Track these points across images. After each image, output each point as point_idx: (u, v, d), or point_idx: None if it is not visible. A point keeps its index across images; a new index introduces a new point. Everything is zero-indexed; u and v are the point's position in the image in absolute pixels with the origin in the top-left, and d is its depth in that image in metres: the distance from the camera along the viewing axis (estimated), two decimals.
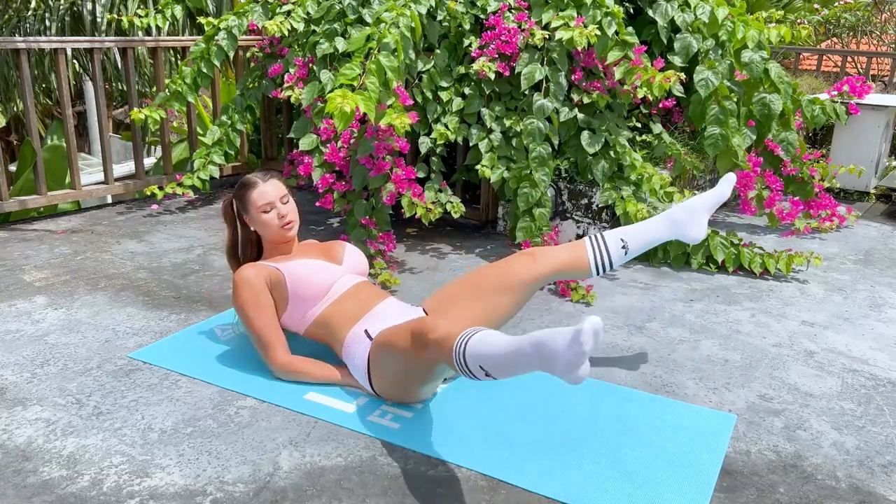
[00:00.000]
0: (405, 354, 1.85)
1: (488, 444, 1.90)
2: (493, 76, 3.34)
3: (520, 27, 3.40)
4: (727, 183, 2.36)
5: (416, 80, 3.44)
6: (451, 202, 3.23)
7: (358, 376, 2.12)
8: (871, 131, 4.58)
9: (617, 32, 3.30)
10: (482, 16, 3.53)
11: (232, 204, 2.37)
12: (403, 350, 1.85)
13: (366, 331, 2.13)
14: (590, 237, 2.26)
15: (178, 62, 6.40)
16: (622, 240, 2.25)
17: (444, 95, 3.41)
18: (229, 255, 2.43)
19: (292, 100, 3.45)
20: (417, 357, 1.82)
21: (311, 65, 3.55)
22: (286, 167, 4.09)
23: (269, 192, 2.26)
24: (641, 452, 1.88)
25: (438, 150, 3.42)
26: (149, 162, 6.39)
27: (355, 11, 3.54)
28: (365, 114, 2.83)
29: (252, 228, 2.34)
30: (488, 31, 3.42)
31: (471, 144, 3.46)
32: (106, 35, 6.15)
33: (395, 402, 2.07)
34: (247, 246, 2.39)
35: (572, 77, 3.43)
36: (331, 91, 3.00)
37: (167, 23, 4.40)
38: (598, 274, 2.26)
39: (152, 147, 7.55)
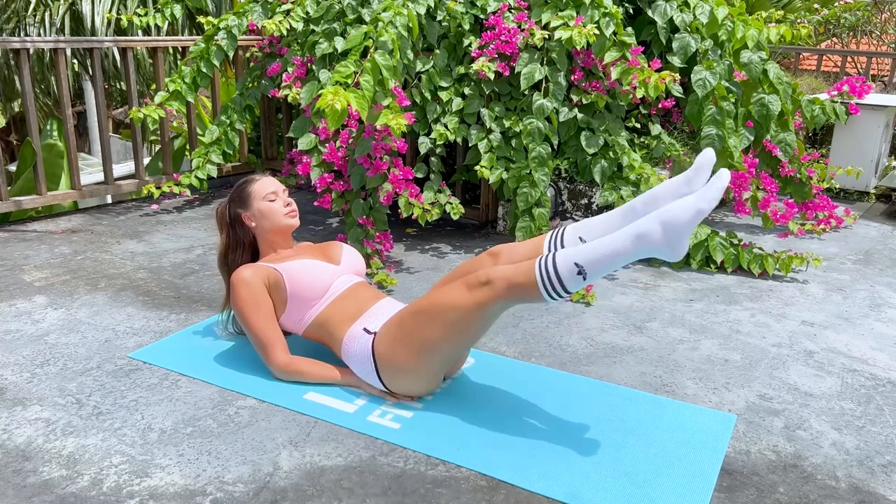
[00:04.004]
0: (454, 306, 1.90)
1: (488, 444, 1.90)
2: (492, 76, 3.34)
3: (519, 27, 3.40)
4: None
5: (416, 81, 3.44)
6: (451, 203, 3.23)
7: (361, 372, 2.11)
8: (871, 131, 4.58)
9: (615, 33, 3.30)
10: (482, 16, 3.53)
11: (227, 210, 2.37)
12: (452, 302, 1.90)
13: (364, 328, 2.13)
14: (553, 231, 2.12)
15: (179, 62, 6.40)
16: (580, 238, 2.05)
17: (443, 95, 3.41)
18: (221, 263, 2.40)
19: (289, 99, 3.45)
20: (474, 302, 1.88)
21: (309, 64, 3.56)
22: (285, 166, 4.09)
23: (271, 183, 2.36)
24: (641, 452, 1.88)
25: (438, 151, 3.42)
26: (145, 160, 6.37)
27: (355, 11, 3.54)
28: (360, 112, 2.83)
29: (250, 227, 2.33)
30: (488, 31, 3.42)
31: (470, 145, 3.46)
32: (105, 34, 6.14)
33: (403, 391, 2.07)
34: (239, 250, 2.37)
35: (572, 77, 3.43)
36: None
37: (166, 21, 4.40)
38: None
39: (152, 147, 7.55)
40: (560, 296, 1.83)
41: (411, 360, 2.00)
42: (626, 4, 3.75)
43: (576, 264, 1.78)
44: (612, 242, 1.79)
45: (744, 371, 2.36)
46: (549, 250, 2.04)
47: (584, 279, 1.79)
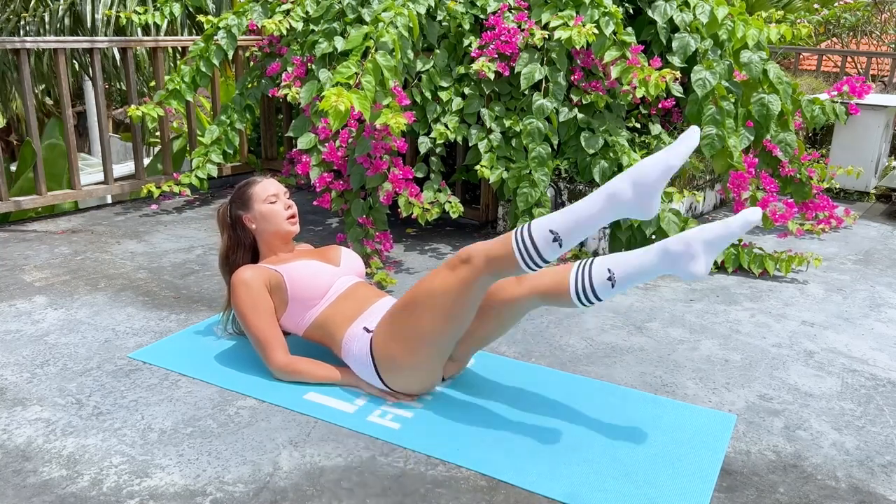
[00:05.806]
0: (439, 289, 1.91)
1: (488, 444, 1.90)
2: (492, 76, 3.34)
3: (519, 27, 3.40)
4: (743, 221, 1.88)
5: (416, 80, 3.44)
6: (450, 202, 3.23)
7: (361, 372, 2.11)
8: (871, 131, 4.59)
9: (615, 32, 3.30)
10: (482, 16, 3.53)
11: (228, 211, 2.37)
12: (437, 286, 1.91)
13: (364, 327, 2.13)
14: (577, 264, 1.99)
15: (178, 62, 6.40)
16: (609, 269, 1.90)
17: (443, 95, 3.41)
18: (223, 264, 2.40)
19: (289, 98, 3.45)
20: (457, 280, 1.88)
21: (309, 64, 3.56)
22: (285, 166, 4.09)
23: (272, 185, 2.36)
24: (641, 452, 1.88)
25: (438, 150, 3.42)
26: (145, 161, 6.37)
27: (354, 11, 3.54)
28: (362, 112, 2.83)
29: (250, 228, 2.34)
30: (488, 31, 3.42)
31: (470, 144, 3.46)
32: (105, 33, 6.15)
33: (403, 389, 2.07)
34: (240, 251, 2.37)
35: (572, 77, 3.43)
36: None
37: (165, 20, 4.40)
38: (580, 304, 1.95)
39: (151, 149, 7.55)
40: (537, 265, 1.82)
41: (408, 355, 2.00)
42: (626, 4, 3.75)
43: (550, 231, 1.78)
44: (584, 205, 1.79)
45: (744, 371, 2.36)
46: (576, 280, 1.94)
47: (560, 246, 1.79)
